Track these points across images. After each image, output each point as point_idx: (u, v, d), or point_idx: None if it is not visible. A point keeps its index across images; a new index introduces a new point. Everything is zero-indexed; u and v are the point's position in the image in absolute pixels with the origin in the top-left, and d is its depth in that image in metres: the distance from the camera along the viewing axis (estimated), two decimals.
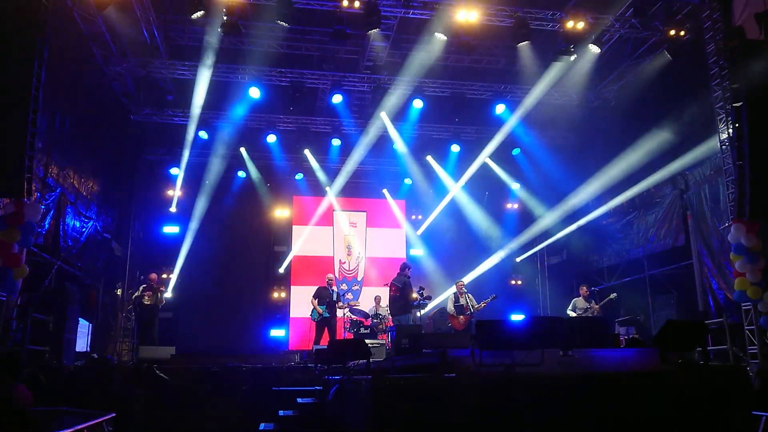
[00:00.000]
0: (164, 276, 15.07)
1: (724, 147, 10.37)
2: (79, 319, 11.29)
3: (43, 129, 9.91)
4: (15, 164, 8.09)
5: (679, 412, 5.55)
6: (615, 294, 12.47)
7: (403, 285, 11.71)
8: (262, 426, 7.66)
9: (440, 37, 12.26)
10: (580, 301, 12.49)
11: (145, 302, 12.13)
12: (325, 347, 9.60)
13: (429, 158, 17.50)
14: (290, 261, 17.51)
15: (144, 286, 12.35)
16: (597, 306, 12.24)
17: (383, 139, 16.68)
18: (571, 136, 16.66)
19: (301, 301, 15.77)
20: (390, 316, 12.93)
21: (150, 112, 15.20)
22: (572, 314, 12.39)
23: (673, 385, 5.70)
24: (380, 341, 12.07)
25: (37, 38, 8.32)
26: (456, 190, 17.63)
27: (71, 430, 6.06)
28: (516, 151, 17.12)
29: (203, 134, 15.44)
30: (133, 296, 12.53)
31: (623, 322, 12.51)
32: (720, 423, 5.64)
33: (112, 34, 12.45)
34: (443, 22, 11.93)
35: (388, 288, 11.98)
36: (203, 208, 16.59)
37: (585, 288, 12.69)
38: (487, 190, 18.30)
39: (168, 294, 13.55)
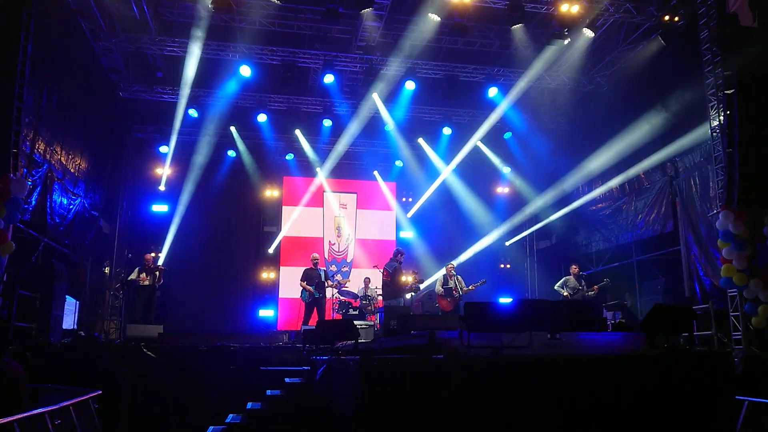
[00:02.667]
0: (153, 255, 14.99)
1: (714, 134, 10.39)
2: (67, 296, 11.22)
3: (30, 104, 9.77)
4: (1, 139, 7.98)
5: (664, 395, 5.61)
6: (608, 279, 12.57)
7: (394, 270, 11.86)
8: (249, 405, 7.66)
9: (434, 18, 12.16)
10: (571, 280, 12.60)
11: (142, 283, 12.09)
12: (314, 328, 9.61)
13: (420, 140, 17.45)
14: (280, 241, 17.48)
15: (138, 267, 12.31)
16: (596, 287, 12.36)
17: (375, 121, 16.59)
18: (562, 121, 16.65)
19: (290, 282, 15.76)
20: (380, 298, 13.03)
21: (139, 88, 15.02)
22: (561, 291, 12.52)
23: (659, 369, 5.76)
24: (369, 322, 12.13)
25: (24, 11, 8.18)
26: (447, 173, 17.61)
27: (57, 406, 6.04)
28: (507, 135, 17.10)
29: (193, 112, 15.29)
30: (129, 278, 12.44)
31: (610, 307, 12.62)
32: (704, 407, 5.71)
33: (101, 8, 12.23)
34: (437, 2, 11.82)
35: (381, 272, 12.08)
36: (192, 187, 16.48)
37: (576, 267, 12.81)
38: (478, 173, 18.26)
39: None
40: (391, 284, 11.82)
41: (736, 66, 9.48)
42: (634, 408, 5.53)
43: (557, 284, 12.74)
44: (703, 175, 11.39)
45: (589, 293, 12.32)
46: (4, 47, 8.06)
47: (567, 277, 12.80)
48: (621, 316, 12.20)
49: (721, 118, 10.06)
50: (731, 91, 9.50)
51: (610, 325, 10.35)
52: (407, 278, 12.14)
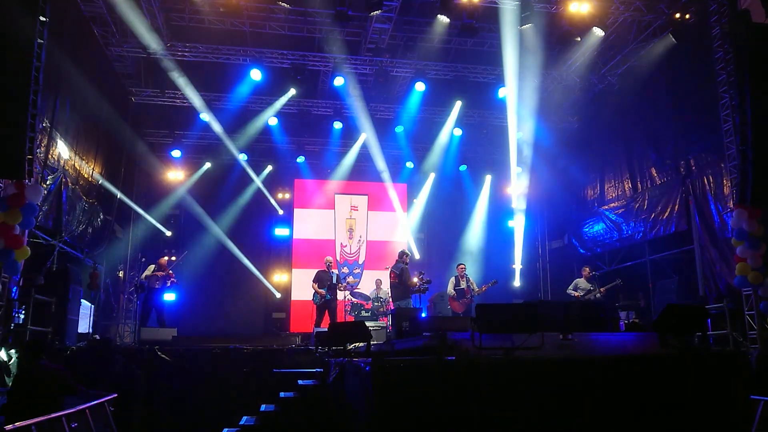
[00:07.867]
0: (172, 258, 15.11)
1: (728, 132, 10.32)
2: (82, 300, 11.33)
3: (44, 110, 9.88)
4: (16, 146, 8.06)
5: (678, 396, 5.58)
6: (620, 280, 12.49)
7: (401, 272, 11.90)
8: (263, 407, 7.72)
9: (443, 20, 12.16)
10: (582, 282, 12.55)
11: (156, 286, 12.19)
12: (326, 330, 9.64)
13: (431, 141, 17.44)
14: (291, 244, 17.53)
15: (154, 266, 12.43)
16: (603, 289, 12.30)
17: (385, 122, 16.60)
18: (574, 120, 16.57)
19: (302, 284, 15.78)
20: (391, 300, 13.05)
21: (151, 94, 15.13)
22: (573, 293, 12.47)
23: (672, 369, 5.73)
24: (381, 324, 12.14)
25: (37, 19, 8.27)
26: (458, 174, 17.59)
27: (73, 410, 6.12)
28: (519, 135, 17.03)
29: (204, 116, 15.38)
30: (143, 276, 12.58)
31: (623, 307, 12.55)
32: (719, 407, 5.67)
33: (113, 14, 12.35)
34: (446, 3, 11.82)
35: (389, 274, 12.12)
36: (204, 190, 16.60)
37: (588, 269, 12.75)
38: (489, 174, 18.25)
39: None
40: (399, 285, 11.86)
41: (748, 63, 9.39)
42: (647, 408, 5.51)
43: (569, 288, 12.69)
44: (716, 173, 11.29)
45: (597, 295, 12.24)
46: (18, 55, 8.14)
47: (578, 279, 12.75)
48: (634, 315, 12.14)
49: (734, 115, 9.98)
50: (744, 88, 9.41)
51: (622, 325, 10.31)
52: (414, 279, 12.16)
